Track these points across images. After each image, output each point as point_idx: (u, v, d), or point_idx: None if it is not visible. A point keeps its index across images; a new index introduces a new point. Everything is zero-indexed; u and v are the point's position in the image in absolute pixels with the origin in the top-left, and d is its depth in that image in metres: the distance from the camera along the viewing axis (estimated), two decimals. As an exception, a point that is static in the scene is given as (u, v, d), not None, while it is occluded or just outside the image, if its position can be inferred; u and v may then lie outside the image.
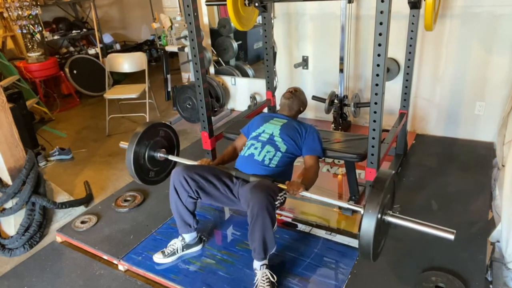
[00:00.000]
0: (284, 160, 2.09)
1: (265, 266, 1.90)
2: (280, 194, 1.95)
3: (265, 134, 2.17)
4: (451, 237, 1.47)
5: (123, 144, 2.31)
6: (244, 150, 2.17)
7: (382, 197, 1.50)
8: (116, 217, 2.59)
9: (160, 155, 2.34)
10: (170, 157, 2.35)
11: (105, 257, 2.26)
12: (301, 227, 2.37)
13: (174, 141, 2.48)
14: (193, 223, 2.10)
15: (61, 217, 2.69)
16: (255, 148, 2.11)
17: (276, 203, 1.87)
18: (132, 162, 2.20)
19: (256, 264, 1.91)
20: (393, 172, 1.67)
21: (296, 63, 3.72)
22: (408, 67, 2.76)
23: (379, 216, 1.51)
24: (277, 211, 2.49)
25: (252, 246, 1.88)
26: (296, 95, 2.33)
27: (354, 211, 2.44)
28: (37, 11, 4.64)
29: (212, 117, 3.60)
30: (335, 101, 3.42)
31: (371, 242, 1.49)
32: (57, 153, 3.56)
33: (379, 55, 1.83)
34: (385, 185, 1.55)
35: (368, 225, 1.48)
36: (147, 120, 4.09)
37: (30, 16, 4.56)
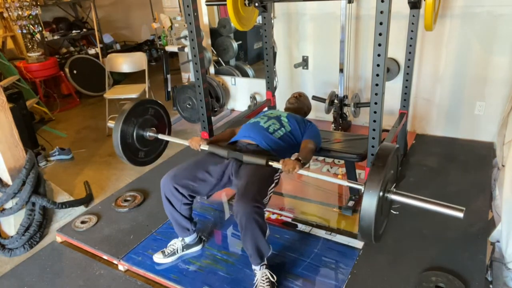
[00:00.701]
0: (286, 139, 2.09)
1: (264, 266, 1.90)
2: (275, 176, 1.92)
3: (272, 114, 2.23)
4: (460, 214, 1.37)
5: (111, 123, 2.19)
6: (250, 120, 2.20)
7: (384, 172, 1.39)
8: (116, 217, 2.59)
9: (149, 134, 2.24)
10: (160, 136, 2.25)
11: (105, 257, 2.26)
12: (301, 227, 2.37)
13: (165, 120, 2.38)
14: (191, 226, 2.09)
15: (61, 217, 2.69)
16: (262, 119, 2.16)
17: (264, 202, 1.83)
18: (119, 140, 2.10)
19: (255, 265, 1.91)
20: (396, 146, 1.57)
21: (296, 63, 3.72)
22: (408, 67, 2.76)
23: (381, 193, 1.40)
24: (277, 211, 2.50)
25: (247, 253, 1.88)
26: (300, 100, 2.40)
27: (354, 210, 2.44)
28: (37, 11, 4.64)
29: (212, 117, 3.60)
30: (335, 101, 3.42)
31: (373, 221, 1.38)
32: (57, 153, 3.56)
33: (379, 55, 1.83)
34: (387, 159, 1.43)
35: (370, 202, 1.38)
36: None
37: (30, 16, 4.56)
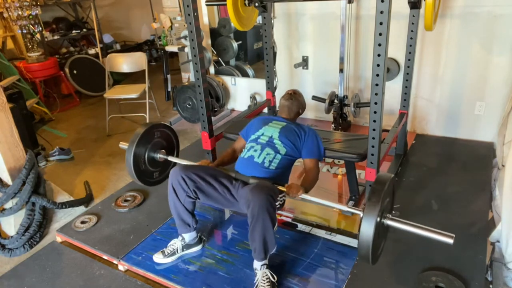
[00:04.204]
0: (284, 162, 2.09)
1: (265, 266, 1.90)
2: (279, 196, 1.95)
3: (264, 136, 2.16)
4: (450, 241, 1.49)
5: (123, 145, 2.31)
6: (244, 152, 2.17)
7: (380, 202, 1.51)
8: (116, 217, 2.59)
9: (160, 156, 2.33)
10: (170, 158, 2.34)
11: (105, 257, 2.26)
12: (301, 227, 2.37)
13: (173, 142, 2.47)
14: (192, 222, 2.10)
15: (61, 217, 2.69)
16: (255, 151, 2.10)
17: (276, 203, 1.87)
18: (132, 164, 2.19)
19: (257, 264, 1.91)
20: (392, 175, 1.67)
21: (296, 63, 3.72)
22: (408, 67, 2.76)
23: (378, 219, 1.52)
24: (277, 211, 2.50)
25: (252, 246, 1.88)
26: (295, 97, 2.31)
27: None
28: (37, 11, 4.64)
29: (212, 117, 3.60)
30: (335, 101, 3.42)
31: (370, 247, 1.49)
32: (57, 153, 3.56)
33: (379, 55, 1.83)
34: (384, 189, 1.55)
35: (367, 230, 1.49)
36: (147, 120, 4.09)
37: (30, 16, 4.56)
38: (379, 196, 1.53)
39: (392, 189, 1.71)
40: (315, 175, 2.09)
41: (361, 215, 1.56)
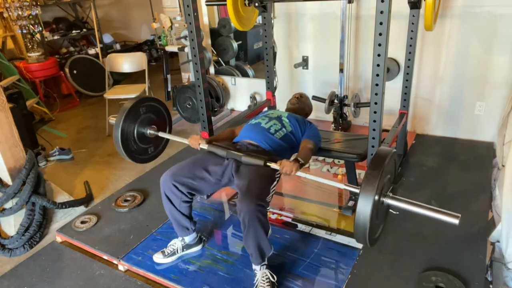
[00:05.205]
0: (287, 139, 2.10)
1: (265, 266, 1.90)
2: (276, 174, 1.92)
3: (273, 114, 2.24)
4: (456, 221, 1.36)
5: (112, 120, 2.19)
6: (251, 120, 2.21)
7: (380, 176, 1.38)
8: (116, 217, 2.59)
9: (150, 132, 2.24)
10: (161, 134, 2.26)
11: (105, 257, 2.26)
12: (301, 227, 2.37)
13: (165, 117, 2.36)
14: (191, 225, 2.09)
15: (61, 217, 2.69)
16: (263, 119, 2.17)
17: (267, 208, 1.82)
18: (120, 138, 2.09)
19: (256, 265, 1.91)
20: (394, 150, 1.56)
21: (296, 63, 3.72)
22: (408, 67, 2.76)
23: (377, 197, 1.39)
24: (277, 211, 2.50)
25: (248, 252, 1.88)
26: (302, 101, 2.44)
27: (354, 210, 2.44)
28: (37, 11, 4.64)
29: (212, 117, 3.60)
30: (335, 101, 3.42)
31: (367, 225, 1.37)
32: (57, 153, 3.56)
33: (379, 55, 1.83)
34: (384, 163, 1.42)
35: (365, 206, 1.37)
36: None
37: (30, 16, 4.56)
38: (379, 171, 1.39)
39: (393, 165, 1.57)
40: (310, 148, 2.04)
41: (358, 192, 1.43)
